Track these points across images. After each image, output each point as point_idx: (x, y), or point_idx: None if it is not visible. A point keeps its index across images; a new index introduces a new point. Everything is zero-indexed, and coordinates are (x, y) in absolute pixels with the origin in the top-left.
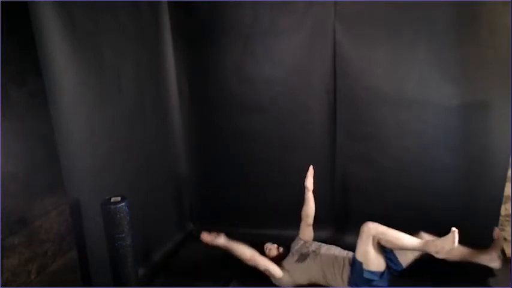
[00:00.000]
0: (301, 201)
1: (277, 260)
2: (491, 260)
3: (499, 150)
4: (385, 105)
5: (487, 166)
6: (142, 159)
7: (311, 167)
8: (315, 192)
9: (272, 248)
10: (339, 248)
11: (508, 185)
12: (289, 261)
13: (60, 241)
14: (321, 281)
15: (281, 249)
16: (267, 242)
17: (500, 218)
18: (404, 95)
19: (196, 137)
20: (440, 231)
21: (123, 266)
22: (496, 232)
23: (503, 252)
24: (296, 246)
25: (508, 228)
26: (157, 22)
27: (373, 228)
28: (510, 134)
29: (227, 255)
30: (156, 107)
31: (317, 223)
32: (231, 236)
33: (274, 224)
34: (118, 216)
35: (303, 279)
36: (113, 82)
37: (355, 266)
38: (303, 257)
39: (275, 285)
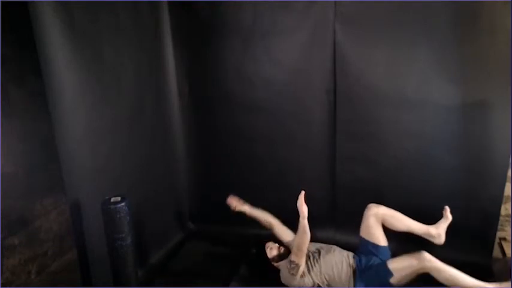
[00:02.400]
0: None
1: (278, 260)
2: (436, 236)
3: (499, 150)
4: (385, 105)
5: (487, 166)
6: (142, 159)
7: (302, 192)
8: (315, 192)
9: (273, 248)
10: (338, 249)
11: (508, 185)
12: None
13: (60, 241)
14: (323, 284)
15: (282, 249)
16: (269, 241)
17: (500, 218)
18: (404, 95)
19: (196, 137)
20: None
21: (123, 266)
22: (446, 210)
23: (502, 252)
24: None
25: (508, 228)
26: (157, 22)
27: (375, 208)
28: (510, 134)
29: (227, 255)
30: (156, 107)
31: (317, 223)
32: (230, 235)
33: None
34: (118, 216)
35: (307, 282)
36: (112, 82)
37: (372, 261)
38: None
39: (275, 286)
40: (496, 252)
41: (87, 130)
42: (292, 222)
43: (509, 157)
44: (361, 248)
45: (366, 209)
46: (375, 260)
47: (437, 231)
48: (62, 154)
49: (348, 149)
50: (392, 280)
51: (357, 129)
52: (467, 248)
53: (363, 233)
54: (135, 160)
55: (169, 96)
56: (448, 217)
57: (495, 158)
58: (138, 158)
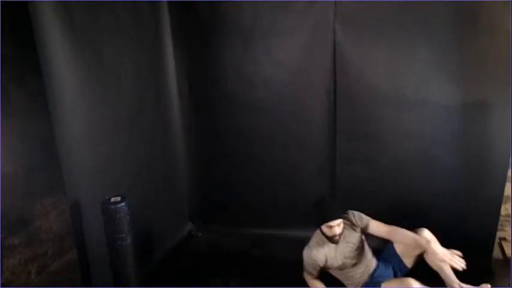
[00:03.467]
0: (299, 200)
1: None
2: None
3: (499, 150)
4: (385, 105)
5: (487, 166)
6: (142, 159)
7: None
8: (315, 192)
9: (330, 230)
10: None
11: (508, 185)
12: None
13: (60, 241)
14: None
15: (336, 238)
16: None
17: (500, 218)
18: (404, 95)
19: (196, 137)
20: (440, 232)
21: (123, 266)
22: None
23: (502, 252)
24: (349, 260)
25: (508, 228)
26: (157, 22)
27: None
28: (510, 134)
29: (227, 255)
30: (156, 107)
31: None
32: (230, 235)
33: (273, 223)
34: (118, 216)
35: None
36: (112, 82)
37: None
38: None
39: (274, 285)
40: (496, 252)
41: (87, 130)
42: (291, 222)
43: (509, 157)
44: (388, 258)
45: (418, 230)
46: (386, 276)
47: None
48: (62, 154)
49: (348, 149)
50: None
51: (357, 129)
52: (467, 248)
53: (399, 248)
54: (135, 160)
55: (169, 96)
56: None
57: (495, 158)
58: (138, 158)
